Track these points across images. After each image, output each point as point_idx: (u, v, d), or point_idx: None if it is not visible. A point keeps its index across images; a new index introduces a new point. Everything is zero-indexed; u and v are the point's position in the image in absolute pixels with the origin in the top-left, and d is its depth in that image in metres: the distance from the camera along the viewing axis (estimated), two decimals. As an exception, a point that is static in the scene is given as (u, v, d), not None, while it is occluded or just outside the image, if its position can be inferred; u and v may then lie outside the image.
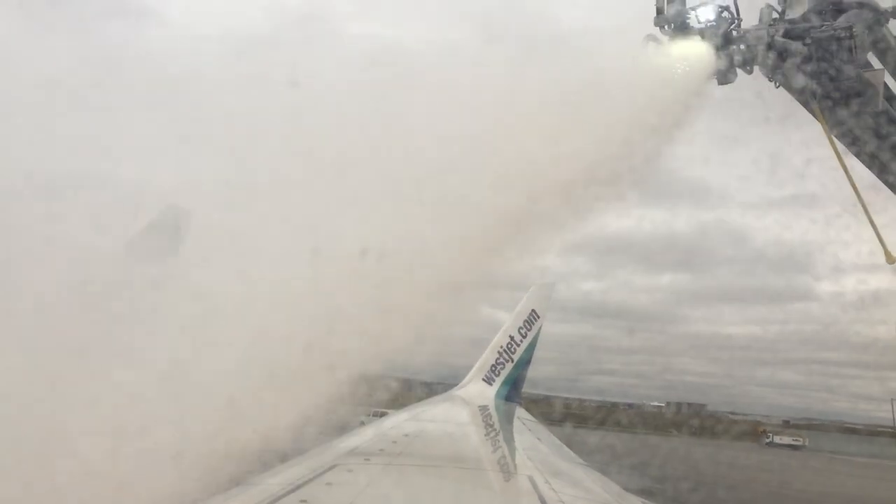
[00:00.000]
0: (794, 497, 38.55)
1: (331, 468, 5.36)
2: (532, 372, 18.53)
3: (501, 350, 17.82)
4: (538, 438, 11.56)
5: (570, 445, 11.33)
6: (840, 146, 6.16)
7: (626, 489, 7.41)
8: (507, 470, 7.13)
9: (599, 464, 9.27)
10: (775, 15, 5.85)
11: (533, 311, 18.44)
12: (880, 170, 6.44)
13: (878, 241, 6.35)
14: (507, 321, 18.38)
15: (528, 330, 18.39)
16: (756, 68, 6.10)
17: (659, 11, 6.10)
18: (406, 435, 8.29)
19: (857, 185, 6.23)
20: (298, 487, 4.59)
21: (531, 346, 18.40)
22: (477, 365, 17.43)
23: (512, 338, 18.08)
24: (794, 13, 5.79)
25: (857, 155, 6.26)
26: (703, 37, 6.03)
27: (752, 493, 36.45)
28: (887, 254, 6.35)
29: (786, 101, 6.28)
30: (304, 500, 4.30)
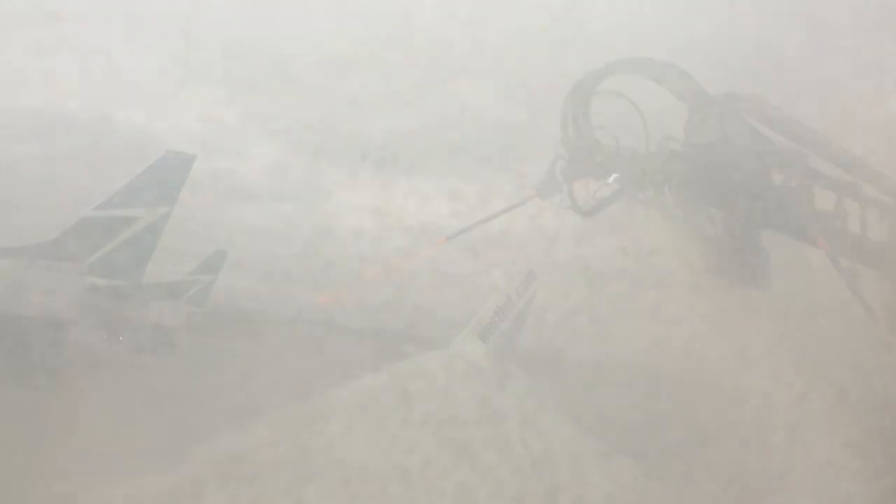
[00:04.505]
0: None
1: None
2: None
3: (497, 309, 17.77)
4: None
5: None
6: None
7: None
8: None
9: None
10: (675, 146, 5.95)
11: (531, 271, 18.32)
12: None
13: None
14: (504, 281, 18.29)
15: (525, 290, 18.31)
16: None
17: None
18: None
19: None
20: None
21: (527, 307, 18.34)
22: (471, 324, 17.41)
23: (508, 297, 18.02)
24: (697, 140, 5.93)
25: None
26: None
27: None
28: None
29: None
30: None
